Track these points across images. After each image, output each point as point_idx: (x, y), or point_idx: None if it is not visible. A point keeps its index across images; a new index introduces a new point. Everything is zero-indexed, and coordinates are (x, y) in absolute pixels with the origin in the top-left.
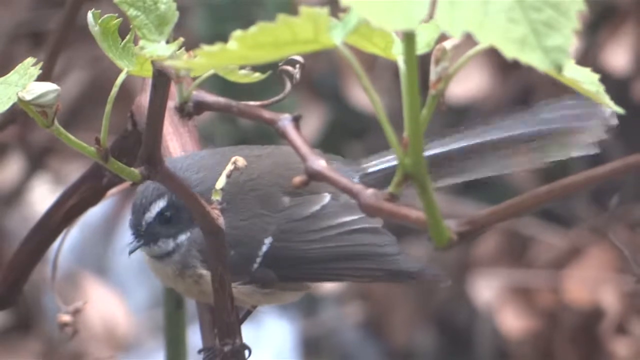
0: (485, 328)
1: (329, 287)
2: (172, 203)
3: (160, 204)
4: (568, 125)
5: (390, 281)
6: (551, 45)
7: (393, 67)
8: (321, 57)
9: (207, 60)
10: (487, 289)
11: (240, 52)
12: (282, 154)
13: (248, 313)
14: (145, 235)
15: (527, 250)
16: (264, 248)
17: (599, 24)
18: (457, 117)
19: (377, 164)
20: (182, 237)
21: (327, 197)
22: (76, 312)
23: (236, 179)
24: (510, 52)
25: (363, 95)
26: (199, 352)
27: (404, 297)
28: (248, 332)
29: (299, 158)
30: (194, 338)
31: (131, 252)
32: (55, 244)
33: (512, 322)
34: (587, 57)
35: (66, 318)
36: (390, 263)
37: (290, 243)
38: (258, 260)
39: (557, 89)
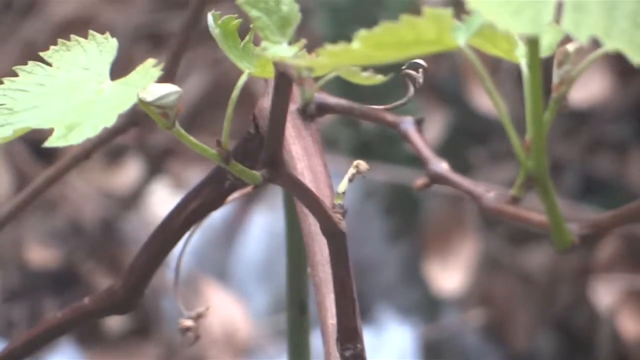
0: (605, 332)
1: (449, 291)
2: None
3: None
4: None
5: None
6: None
7: (515, 72)
8: (443, 61)
9: (329, 59)
10: (607, 294)
11: (363, 51)
12: None
13: None
14: None
15: None
16: None
17: None
18: (578, 122)
19: None
20: None
21: None
22: (199, 318)
23: None
24: (635, 57)
25: (486, 99)
26: None
27: (525, 302)
28: (369, 337)
29: None
30: (317, 343)
31: None
32: (177, 248)
33: (632, 326)
34: None
35: (188, 323)
36: None
37: None
38: None
39: None
